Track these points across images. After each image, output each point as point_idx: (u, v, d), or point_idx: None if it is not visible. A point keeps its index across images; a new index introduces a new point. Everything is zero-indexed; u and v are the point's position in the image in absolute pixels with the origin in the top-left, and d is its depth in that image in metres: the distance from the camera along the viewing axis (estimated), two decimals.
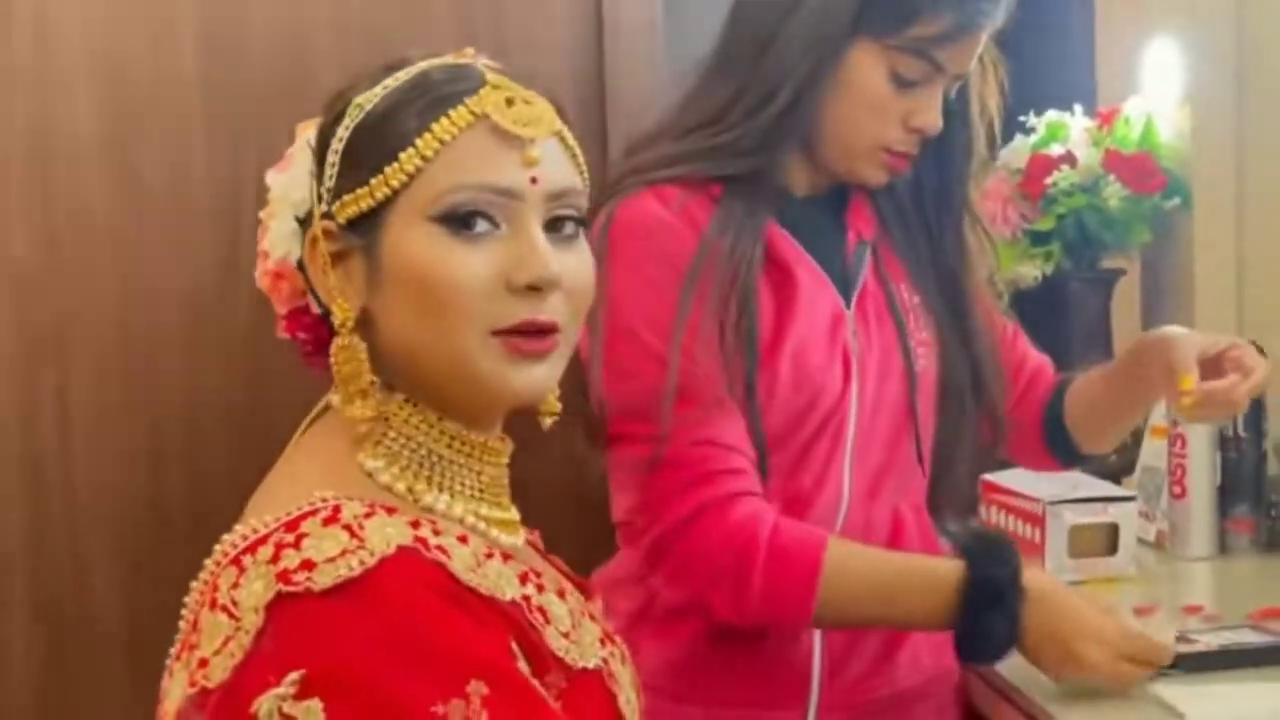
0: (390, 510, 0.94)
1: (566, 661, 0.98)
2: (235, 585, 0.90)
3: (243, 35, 2.03)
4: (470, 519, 1.00)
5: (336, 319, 0.99)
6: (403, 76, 1.00)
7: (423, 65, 1.01)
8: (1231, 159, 2.16)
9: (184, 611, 0.96)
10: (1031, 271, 2.20)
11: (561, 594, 1.02)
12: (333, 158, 1.00)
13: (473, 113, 0.97)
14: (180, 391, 1.97)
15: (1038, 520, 1.88)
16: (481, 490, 1.02)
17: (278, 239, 1.04)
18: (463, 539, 0.96)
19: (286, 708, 0.85)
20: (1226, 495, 2.01)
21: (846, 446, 1.49)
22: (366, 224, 0.98)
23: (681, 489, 1.40)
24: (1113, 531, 1.89)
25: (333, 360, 0.99)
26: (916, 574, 1.42)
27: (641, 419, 1.40)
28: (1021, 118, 2.30)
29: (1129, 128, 2.20)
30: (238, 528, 0.94)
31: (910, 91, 1.46)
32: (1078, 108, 2.28)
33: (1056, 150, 2.20)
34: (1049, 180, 2.17)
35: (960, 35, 1.45)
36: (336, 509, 0.92)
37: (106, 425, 2.00)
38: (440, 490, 1.00)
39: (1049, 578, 1.46)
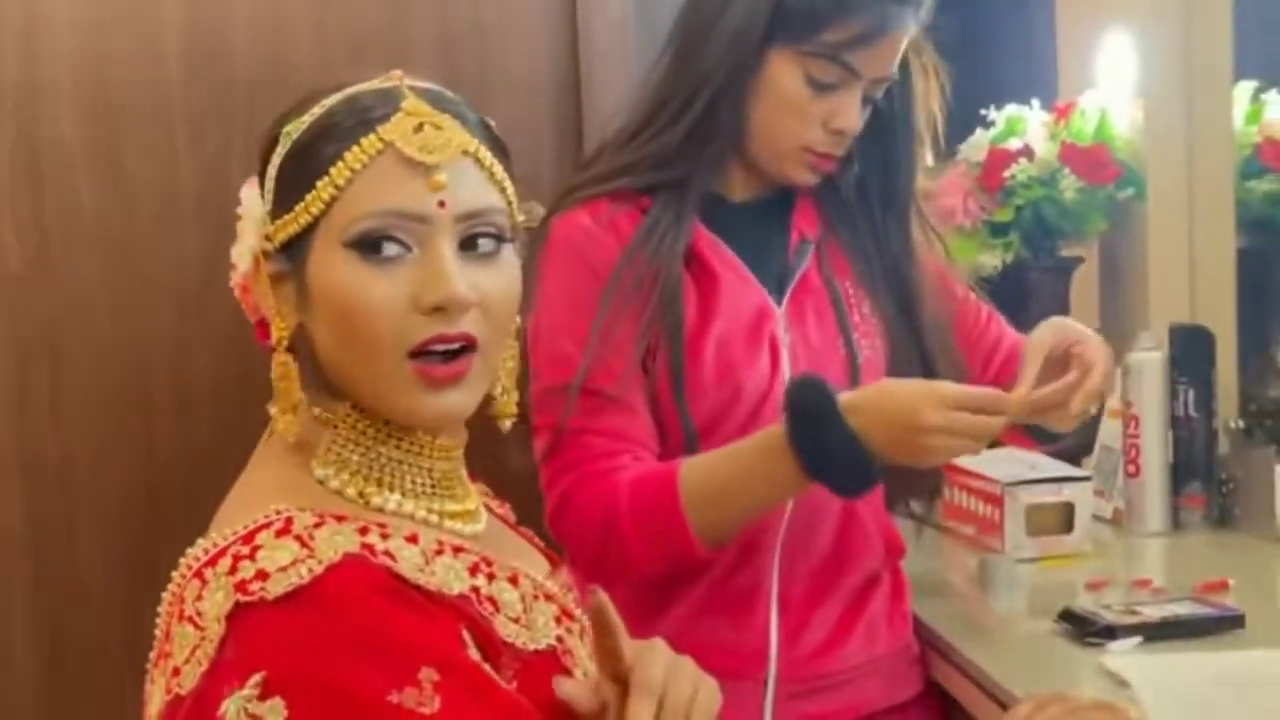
0: (340, 518, 0.99)
1: (517, 646, 1.02)
2: (199, 597, 0.95)
3: (225, 37, 2.07)
4: (422, 514, 1.05)
5: (273, 337, 1.03)
6: (328, 103, 1.04)
7: (349, 91, 1.04)
8: (1182, 150, 2.22)
9: (158, 621, 1.01)
10: (992, 261, 2.28)
11: (514, 580, 1.06)
12: (269, 183, 1.05)
13: (382, 140, 1.00)
14: (171, 387, 2.01)
15: (996, 500, 1.96)
16: (434, 486, 1.07)
17: (242, 253, 1.09)
18: (412, 538, 1.01)
19: (251, 708, 0.91)
20: (1179, 473, 2.08)
21: None
22: (295, 248, 1.02)
23: (557, 475, 1.51)
24: (1068, 510, 1.96)
25: (272, 376, 1.04)
26: (756, 443, 1.47)
27: (542, 413, 1.51)
28: (983, 111, 2.37)
29: (1084, 121, 2.28)
30: (200, 541, 0.99)
31: (828, 94, 1.53)
32: (1035, 102, 2.36)
33: (1014, 144, 2.28)
34: (1007, 173, 2.24)
35: (870, 41, 1.52)
36: (288, 521, 0.97)
37: (100, 421, 2.05)
38: (391, 490, 1.04)
39: (865, 390, 1.49)
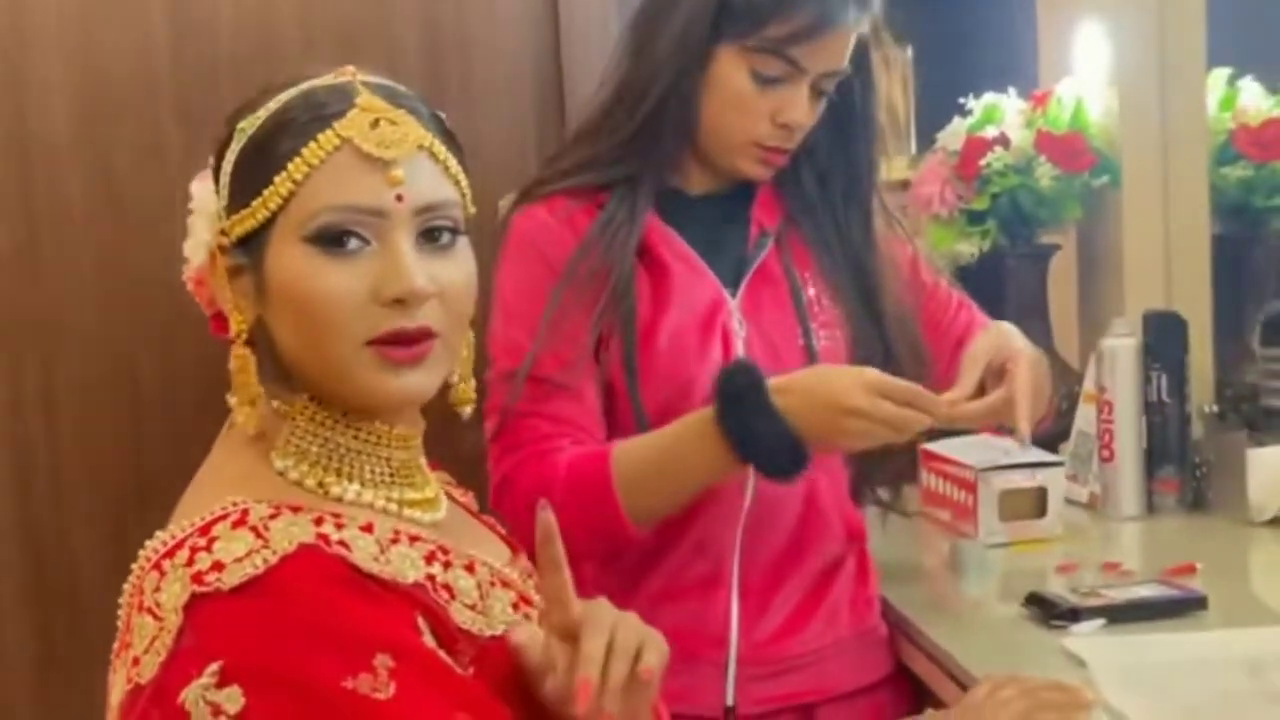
0: (296, 509, 1.01)
1: (473, 632, 1.04)
2: (157, 589, 0.97)
3: (212, 31, 2.10)
4: (381, 503, 1.07)
5: (231, 330, 1.06)
6: (283, 99, 1.05)
7: (303, 87, 1.06)
8: (1157, 137, 2.23)
9: (119, 612, 1.03)
10: (969, 249, 2.30)
11: (470, 567, 1.08)
12: (224, 179, 1.06)
13: (340, 136, 1.02)
14: (160, 377, 2.04)
15: (970, 486, 1.98)
16: (393, 475, 1.09)
17: (195, 247, 1.11)
18: (367, 528, 1.03)
19: (210, 696, 0.93)
20: (1153, 458, 2.10)
21: None
22: (253, 243, 1.04)
23: (501, 457, 1.54)
24: (1041, 495, 1.98)
25: (230, 368, 1.06)
26: (686, 425, 1.50)
27: (493, 397, 1.55)
28: (962, 100, 2.40)
29: (1060, 109, 2.30)
30: (159, 534, 1.01)
31: (774, 89, 1.56)
32: (1012, 90, 2.38)
33: (991, 132, 2.29)
34: (983, 161, 2.26)
35: (813, 36, 1.54)
36: (245, 512, 0.99)
37: (91, 412, 2.09)
38: (350, 480, 1.06)
39: (796, 373, 1.52)
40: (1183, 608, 1.60)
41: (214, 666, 0.93)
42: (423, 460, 1.14)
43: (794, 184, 1.67)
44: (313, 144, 1.02)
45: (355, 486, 1.07)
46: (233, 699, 0.93)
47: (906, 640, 1.67)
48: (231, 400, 1.08)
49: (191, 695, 0.93)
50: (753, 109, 1.57)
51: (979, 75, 2.51)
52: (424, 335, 1.03)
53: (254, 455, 1.07)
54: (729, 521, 1.59)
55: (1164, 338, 2.10)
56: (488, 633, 1.06)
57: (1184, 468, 2.11)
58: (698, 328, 1.59)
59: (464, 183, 1.09)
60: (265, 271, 1.04)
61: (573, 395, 1.55)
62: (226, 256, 1.06)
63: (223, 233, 1.06)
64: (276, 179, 1.02)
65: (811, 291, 1.64)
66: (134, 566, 1.02)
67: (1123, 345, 2.10)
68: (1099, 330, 2.19)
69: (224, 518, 0.99)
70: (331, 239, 1.02)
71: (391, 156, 1.03)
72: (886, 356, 1.63)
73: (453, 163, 1.07)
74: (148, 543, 1.02)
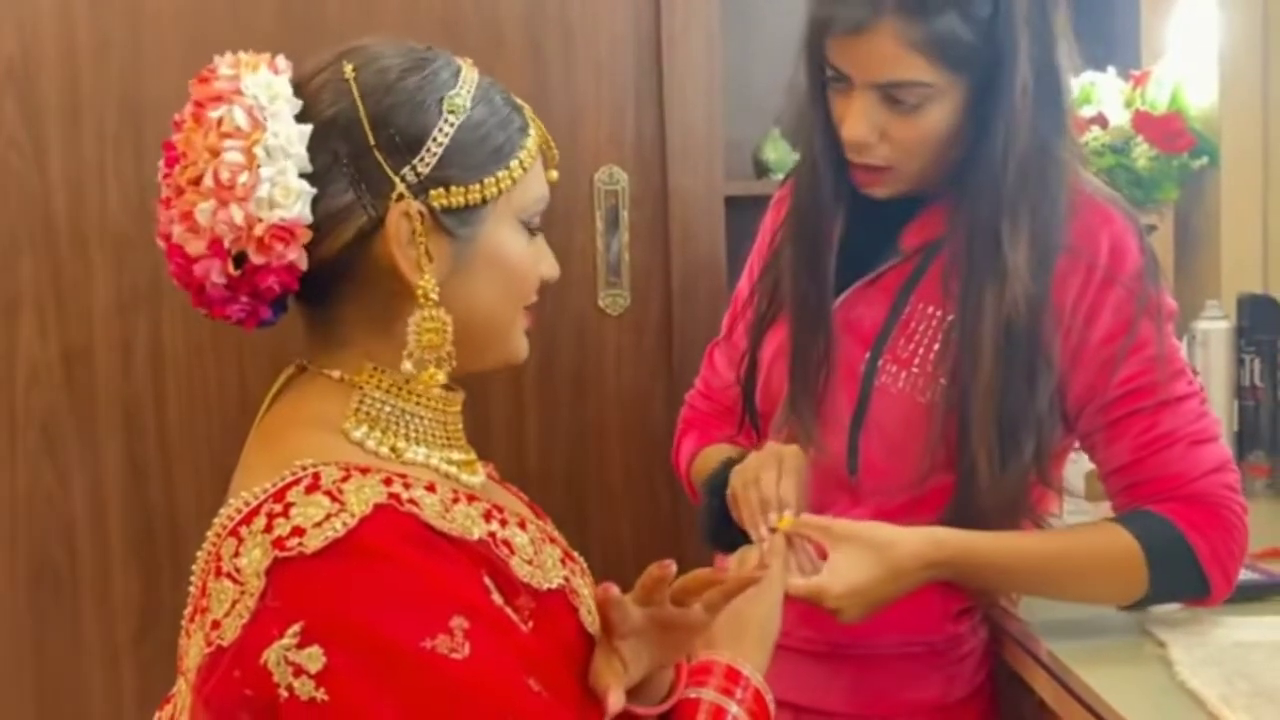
0: (364, 470, 1.04)
1: (532, 585, 1.09)
2: (236, 554, 1.00)
3: (318, 8, 2.17)
4: (442, 466, 1.12)
5: (421, 292, 1.08)
6: (477, 85, 1.12)
7: (486, 78, 1.14)
8: (1258, 119, 2.22)
9: (192, 579, 1.06)
10: None
11: (522, 524, 1.13)
12: (434, 148, 1.08)
13: (537, 142, 1.16)
14: (267, 336, 2.11)
15: None
16: (448, 438, 1.14)
17: (290, 193, 1.06)
18: (430, 488, 1.07)
19: (291, 656, 0.95)
20: (1244, 441, 2.10)
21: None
22: (465, 215, 1.10)
23: None
24: None
25: (414, 331, 1.08)
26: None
27: None
28: None
29: (1159, 89, 2.28)
30: (231, 501, 1.03)
31: (837, 97, 1.48)
32: (1111, 69, 2.37)
33: (1088, 112, 2.29)
34: (1080, 141, 2.25)
35: (832, 30, 1.43)
36: (316, 476, 1.02)
37: (196, 370, 2.17)
38: (417, 444, 1.12)
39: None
40: (1267, 592, 1.60)
41: (295, 627, 0.96)
42: (461, 426, 1.18)
43: (955, 200, 1.50)
44: (529, 140, 1.14)
45: (423, 449, 1.12)
46: (314, 659, 0.96)
47: (989, 620, 1.68)
48: (407, 365, 1.09)
49: (273, 656, 0.96)
50: (835, 116, 1.49)
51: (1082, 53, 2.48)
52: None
53: (321, 419, 1.10)
54: None
55: (1258, 321, 2.10)
56: (545, 586, 1.11)
57: (1275, 452, 2.10)
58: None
59: None
60: (478, 241, 1.11)
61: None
62: (418, 220, 1.08)
63: (428, 199, 1.08)
64: (512, 164, 1.12)
65: (914, 324, 1.53)
66: (209, 534, 1.05)
67: (1216, 328, 2.10)
68: (1193, 312, 2.19)
69: (296, 482, 1.02)
70: (532, 224, 1.16)
71: (554, 160, 1.19)
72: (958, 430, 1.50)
73: None
74: (222, 510, 1.05)
